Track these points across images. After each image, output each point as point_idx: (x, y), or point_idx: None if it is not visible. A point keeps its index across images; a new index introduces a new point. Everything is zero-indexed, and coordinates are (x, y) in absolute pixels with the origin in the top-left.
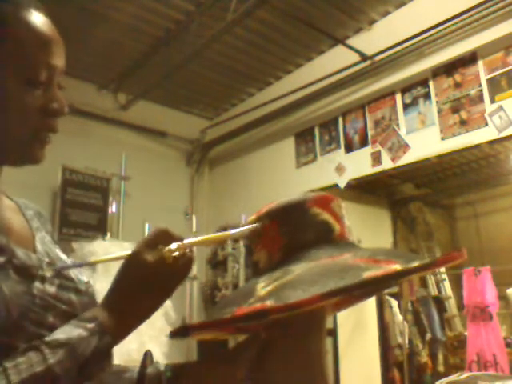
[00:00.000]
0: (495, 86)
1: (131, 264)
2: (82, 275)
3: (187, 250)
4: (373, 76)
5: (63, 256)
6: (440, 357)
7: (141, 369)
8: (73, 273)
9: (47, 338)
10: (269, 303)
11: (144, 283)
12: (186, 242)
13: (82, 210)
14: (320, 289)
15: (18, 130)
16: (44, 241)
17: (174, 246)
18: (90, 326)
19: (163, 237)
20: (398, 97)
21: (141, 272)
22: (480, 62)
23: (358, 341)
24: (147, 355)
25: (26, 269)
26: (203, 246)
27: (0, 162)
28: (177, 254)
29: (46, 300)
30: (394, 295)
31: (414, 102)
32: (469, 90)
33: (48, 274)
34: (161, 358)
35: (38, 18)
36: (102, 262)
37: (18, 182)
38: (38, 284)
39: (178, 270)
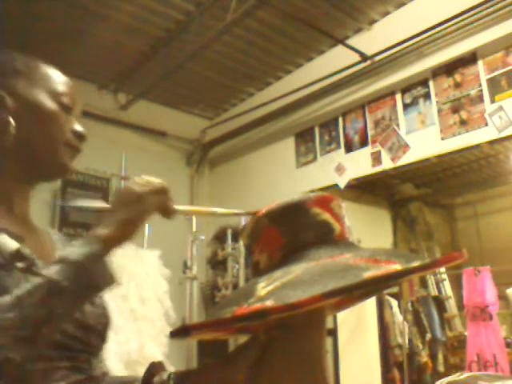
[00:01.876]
0: (495, 86)
1: (122, 192)
2: None
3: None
4: (373, 76)
5: None
6: (440, 357)
7: (144, 377)
8: None
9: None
10: (269, 303)
11: (130, 202)
12: (177, 207)
13: (82, 210)
14: (320, 289)
15: (57, 143)
16: None
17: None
18: (80, 242)
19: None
20: (398, 97)
21: (128, 195)
22: (480, 62)
23: (358, 341)
24: (152, 366)
25: None
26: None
27: (34, 180)
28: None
29: None
30: (394, 295)
31: (414, 102)
32: (469, 90)
33: None
34: (161, 358)
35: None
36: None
37: None
38: None
39: (157, 191)
